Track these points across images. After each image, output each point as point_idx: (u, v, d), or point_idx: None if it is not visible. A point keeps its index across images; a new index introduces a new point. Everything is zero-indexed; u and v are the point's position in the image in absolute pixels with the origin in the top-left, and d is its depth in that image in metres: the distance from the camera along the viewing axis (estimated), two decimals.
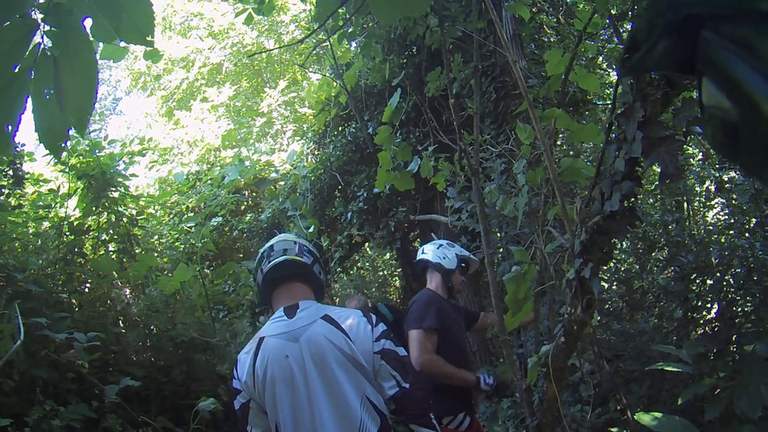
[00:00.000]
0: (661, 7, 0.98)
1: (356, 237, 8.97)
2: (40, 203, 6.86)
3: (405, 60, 8.27)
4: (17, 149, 6.57)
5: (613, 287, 6.49)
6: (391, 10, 2.04)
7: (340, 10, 5.61)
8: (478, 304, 7.85)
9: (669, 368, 3.67)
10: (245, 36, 19.98)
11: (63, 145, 2.13)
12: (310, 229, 8.63)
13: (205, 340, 6.36)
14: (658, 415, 3.40)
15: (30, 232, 6.68)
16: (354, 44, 9.26)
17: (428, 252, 4.88)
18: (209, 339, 6.44)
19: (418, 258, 4.97)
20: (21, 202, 6.70)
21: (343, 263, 10.03)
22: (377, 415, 2.61)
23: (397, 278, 13.76)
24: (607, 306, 6.07)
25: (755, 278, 5.02)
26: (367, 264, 14.31)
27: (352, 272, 12.93)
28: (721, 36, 0.83)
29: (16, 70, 1.87)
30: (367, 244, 10.73)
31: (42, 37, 1.86)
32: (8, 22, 1.81)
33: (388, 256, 13.66)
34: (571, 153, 6.90)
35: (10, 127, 1.95)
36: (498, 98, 6.93)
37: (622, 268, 6.45)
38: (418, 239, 10.65)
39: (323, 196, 9.34)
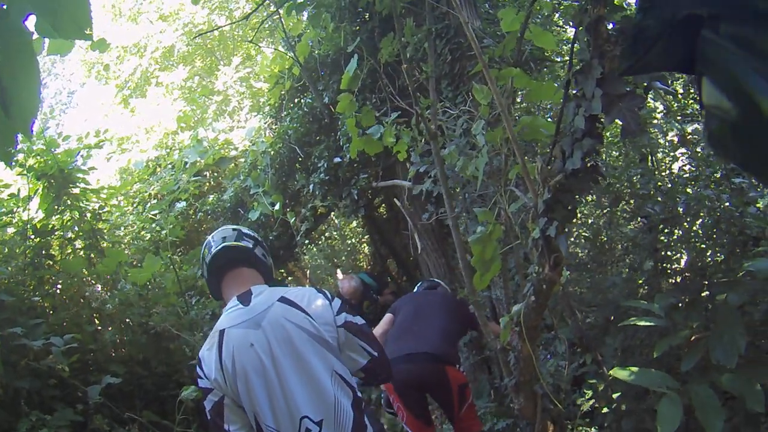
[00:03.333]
0: (661, 7, 0.96)
1: (320, 208, 8.94)
2: (2, 209, 6.71)
3: (358, 27, 8.18)
4: None
5: (582, 240, 6.53)
6: None
7: None
8: (446, 266, 7.88)
9: (642, 323, 3.69)
10: (196, 15, 19.68)
11: (13, 151, 2.08)
12: (276, 206, 8.56)
13: (178, 332, 6.32)
14: (634, 369, 3.43)
15: None
16: (305, 14, 9.11)
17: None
18: (184, 327, 6.41)
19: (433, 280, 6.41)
20: None
21: (310, 235, 9.99)
22: (348, 388, 2.65)
23: (365, 245, 13.79)
24: (577, 260, 6.10)
25: (723, 228, 5.06)
26: (335, 233, 14.33)
27: (320, 243, 12.94)
28: (721, 36, 0.82)
29: None
30: (332, 213, 10.71)
31: None
32: None
33: (354, 224, 13.68)
34: (532, 110, 6.89)
35: None
36: (454, 60, 6.88)
37: (589, 221, 6.47)
38: (383, 205, 10.65)
39: (284, 170, 9.24)
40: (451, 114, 5.31)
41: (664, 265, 5.44)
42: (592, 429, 4.26)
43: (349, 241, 14.70)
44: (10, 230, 6.73)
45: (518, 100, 5.97)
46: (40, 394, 5.07)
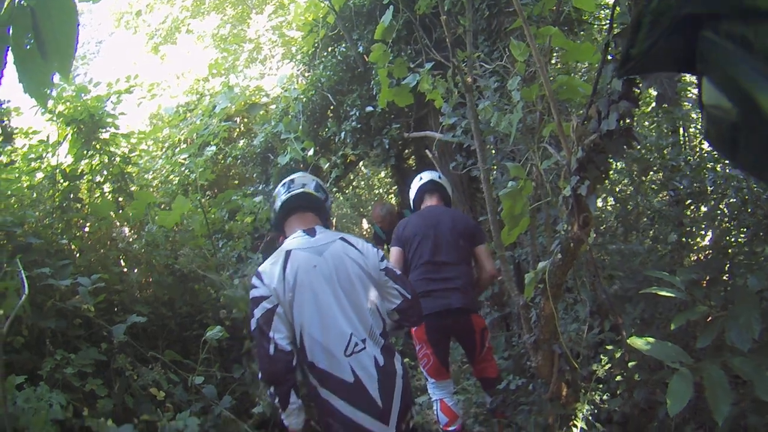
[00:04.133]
0: (662, 7, 0.95)
1: (351, 156, 8.92)
2: (32, 155, 6.69)
3: None
4: (3, 106, 6.63)
5: (608, 207, 6.48)
6: None
7: None
8: (474, 220, 7.83)
9: (663, 293, 3.69)
10: None
11: (49, 92, 2.10)
12: (309, 152, 8.56)
13: (204, 273, 6.35)
14: (651, 340, 3.44)
15: (24, 186, 6.51)
16: None
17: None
18: (210, 269, 6.42)
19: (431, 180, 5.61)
20: (12, 158, 6.59)
21: (339, 183, 10.04)
22: (380, 320, 3.25)
23: (392, 195, 13.78)
24: (603, 226, 6.08)
25: (749, 210, 5.02)
26: (363, 183, 14.34)
27: (347, 191, 12.95)
28: (721, 35, 0.81)
29: None
30: (362, 162, 10.72)
31: None
32: None
33: (382, 174, 13.65)
34: (567, 71, 6.78)
35: None
36: (491, 15, 6.80)
37: (617, 189, 6.41)
38: (413, 156, 10.61)
39: (315, 117, 9.27)
40: (487, 68, 5.27)
41: (689, 240, 5.46)
42: (605, 395, 4.26)
43: (376, 191, 14.71)
44: (39, 175, 6.74)
45: (553, 61, 5.89)
46: (65, 334, 5.12)
